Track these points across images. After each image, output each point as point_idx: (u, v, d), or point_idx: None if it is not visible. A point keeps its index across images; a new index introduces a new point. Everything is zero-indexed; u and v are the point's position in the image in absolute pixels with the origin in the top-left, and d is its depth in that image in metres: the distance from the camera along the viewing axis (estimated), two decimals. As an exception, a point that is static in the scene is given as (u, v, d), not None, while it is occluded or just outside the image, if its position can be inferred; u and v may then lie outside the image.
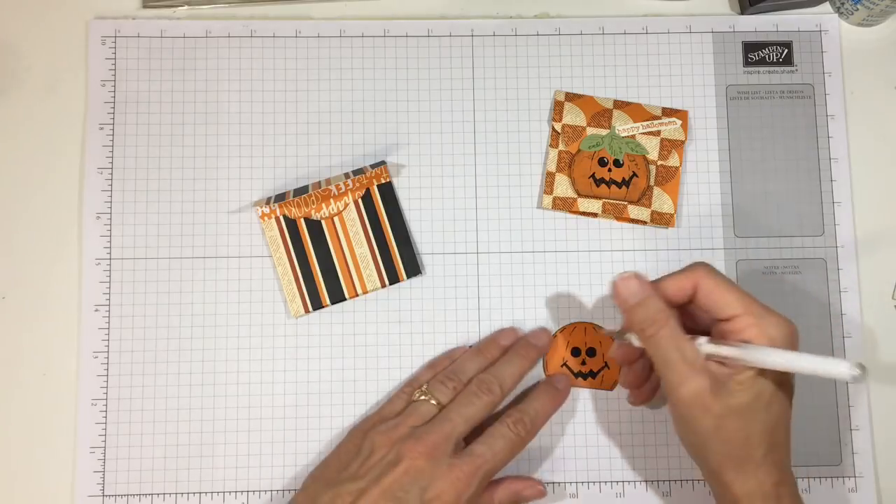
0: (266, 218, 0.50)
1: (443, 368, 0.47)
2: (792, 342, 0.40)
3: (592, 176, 0.50)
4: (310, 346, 0.50)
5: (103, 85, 0.51)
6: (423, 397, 0.45)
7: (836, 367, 0.35)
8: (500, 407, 0.46)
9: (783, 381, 0.40)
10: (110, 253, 0.50)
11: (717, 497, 0.42)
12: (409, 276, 0.50)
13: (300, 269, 0.50)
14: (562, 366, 0.50)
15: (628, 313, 0.42)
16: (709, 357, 0.40)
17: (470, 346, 0.49)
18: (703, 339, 0.41)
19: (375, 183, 0.50)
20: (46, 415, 0.49)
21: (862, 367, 0.33)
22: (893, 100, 0.53)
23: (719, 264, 0.51)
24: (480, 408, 0.44)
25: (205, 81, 0.52)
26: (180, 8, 0.52)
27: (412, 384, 0.47)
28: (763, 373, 0.40)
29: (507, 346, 0.48)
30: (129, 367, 0.49)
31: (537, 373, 0.50)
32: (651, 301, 0.42)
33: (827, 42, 0.53)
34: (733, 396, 0.39)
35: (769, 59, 0.52)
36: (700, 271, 0.42)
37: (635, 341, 0.43)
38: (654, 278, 0.43)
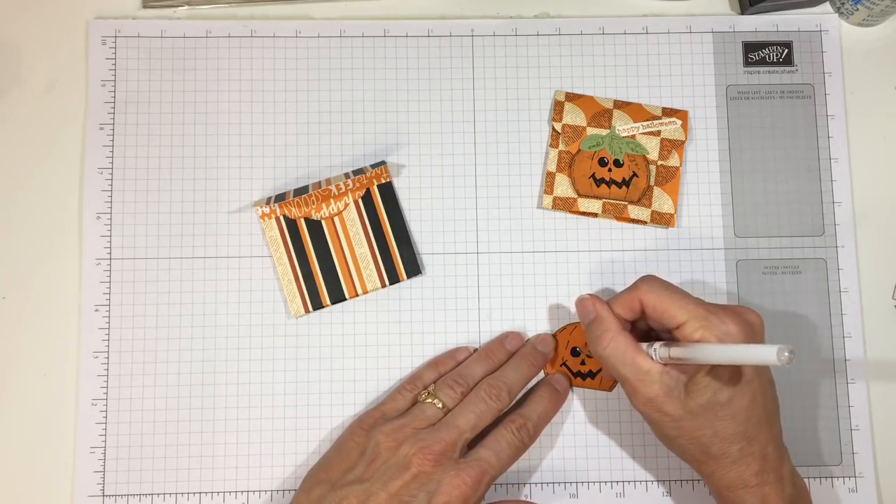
0: (266, 218, 0.50)
1: (447, 369, 0.47)
2: (749, 335, 0.41)
3: (592, 176, 0.50)
4: (310, 346, 0.50)
5: (103, 85, 0.51)
6: (428, 399, 0.45)
7: (763, 353, 0.35)
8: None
9: (746, 375, 0.41)
10: (110, 253, 0.50)
11: (705, 482, 0.44)
12: (409, 276, 0.50)
13: (300, 269, 0.50)
14: (561, 365, 0.50)
15: (586, 332, 0.45)
16: (665, 361, 0.41)
17: (472, 347, 0.49)
18: (657, 344, 0.42)
19: (375, 183, 0.50)
20: (46, 415, 0.49)
21: (790, 350, 0.34)
22: (893, 100, 0.53)
23: (719, 264, 0.51)
24: (488, 414, 0.44)
25: (205, 81, 0.52)
26: (180, 8, 0.52)
27: (415, 382, 0.47)
28: (715, 371, 0.41)
29: (512, 350, 0.48)
30: (129, 367, 0.49)
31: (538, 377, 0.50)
32: (599, 319, 0.44)
33: (827, 42, 0.53)
34: (691, 398, 0.41)
35: (769, 59, 0.52)
36: (642, 286, 0.43)
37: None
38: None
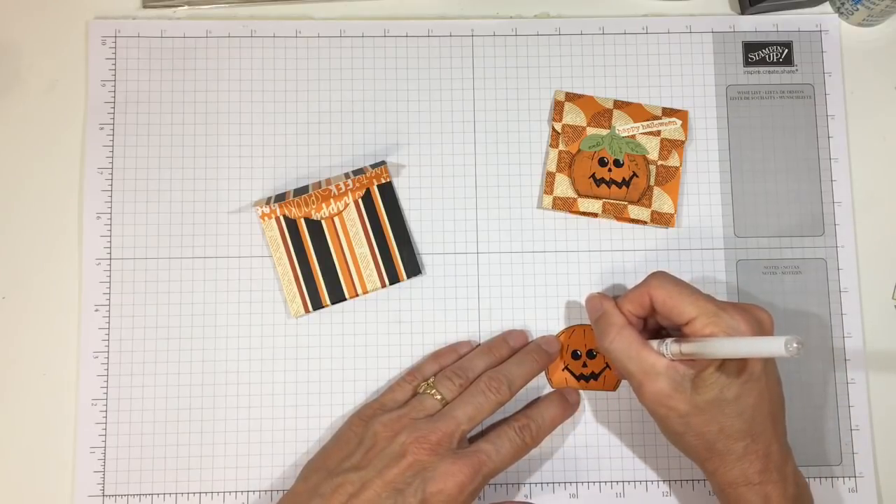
0: (266, 218, 0.50)
1: (448, 362, 0.47)
2: (758, 332, 0.41)
3: (592, 176, 0.50)
4: (310, 346, 0.50)
5: (103, 85, 0.51)
6: (428, 391, 0.45)
7: (771, 345, 0.35)
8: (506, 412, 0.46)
9: (754, 372, 0.41)
10: (110, 253, 0.50)
11: (708, 479, 0.44)
12: (409, 276, 0.50)
13: (300, 269, 0.49)
14: (563, 370, 0.50)
15: (594, 329, 0.46)
16: (675, 357, 0.41)
17: (475, 341, 0.49)
18: (668, 340, 0.42)
19: (375, 183, 0.50)
20: (46, 415, 0.49)
21: (799, 340, 0.33)
22: (893, 100, 0.53)
23: (719, 264, 0.51)
24: (487, 406, 0.44)
25: (205, 81, 0.52)
26: (180, 8, 0.52)
27: (415, 374, 0.47)
28: (723, 368, 0.41)
29: (516, 347, 0.48)
30: (129, 367, 0.49)
31: (541, 383, 0.49)
32: (605, 314, 0.44)
33: (827, 42, 0.53)
34: (698, 393, 0.41)
35: (769, 59, 0.52)
36: (652, 282, 0.44)
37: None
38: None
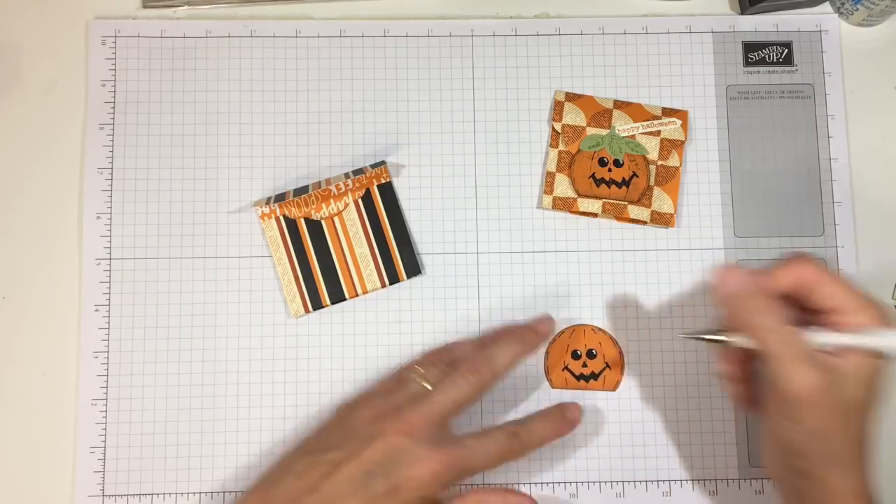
0: (266, 218, 0.50)
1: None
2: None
3: (592, 176, 0.51)
4: (310, 346, 0.50)
5: (103, 85, 0.51)
6: (416, 378, 0.44)
7: None
8: (504, 417, 0.46)
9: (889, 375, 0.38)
10: (110, 253, 0.50)
11: (800, 490, 0.40)
12: (409, 276, 0.50)
13: (300, 269, 0.50)
14: (563, 370, 0.50)
15: (732, 305, 0.40)
16: (821, 349, 0.38)
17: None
18: (818, 329, 0.39)
19: (375, 183, 0.50)
20: (46, 415, 0.49)
21: None
22: (893, 100, 0.53)
23: (719, 264, 0.51)
24: (466, 389, 0.43)
25: (205, 81, 0.52)
26: (180, 8, 0.52)
27: (406, 367, 0.47)
28: (881, 367, 0.38)
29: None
30: (129, 367, 0.49)
31: (540, 383, 0.50)
32: (758, 293, 0.39)
33: (827, 42, 0.53)
34: (849, 390, 0.37)
35: (769, 59, 0.53)
36: (805, 266, 0.39)
37: (738, 341, 0.41)
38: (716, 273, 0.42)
